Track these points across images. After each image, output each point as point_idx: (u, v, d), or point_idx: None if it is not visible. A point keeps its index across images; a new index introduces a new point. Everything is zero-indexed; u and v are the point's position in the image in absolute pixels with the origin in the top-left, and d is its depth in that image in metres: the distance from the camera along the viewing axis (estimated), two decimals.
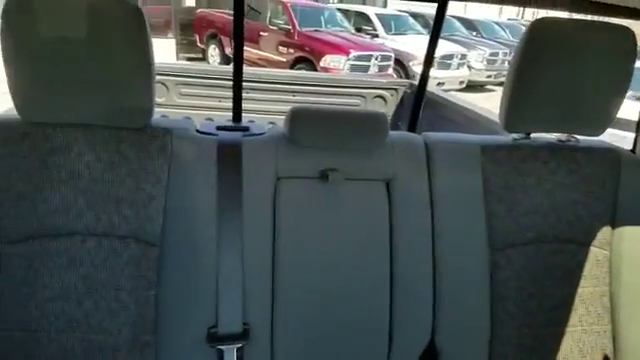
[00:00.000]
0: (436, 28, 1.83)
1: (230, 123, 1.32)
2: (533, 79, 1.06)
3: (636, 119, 1.29)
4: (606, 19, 1.23)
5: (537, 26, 1.04)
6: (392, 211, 1.10)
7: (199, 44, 9.27)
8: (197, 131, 1.12)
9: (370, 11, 9.67)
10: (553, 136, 1.20)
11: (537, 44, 1.04)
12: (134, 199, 0.99)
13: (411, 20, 9.62)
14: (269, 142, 1.10)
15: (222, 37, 8.71)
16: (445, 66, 8.20)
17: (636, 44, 1.06)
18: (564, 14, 1.33)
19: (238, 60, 1.40)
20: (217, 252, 1.02)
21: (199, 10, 9.51)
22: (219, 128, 1.17)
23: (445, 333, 1.11)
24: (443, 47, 8.21)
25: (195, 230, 1.03)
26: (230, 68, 1.59)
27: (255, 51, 8.02)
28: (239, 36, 1.51)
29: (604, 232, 1.14)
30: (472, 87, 8.94)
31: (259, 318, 1.05)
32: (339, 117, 1.12)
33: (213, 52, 9.05)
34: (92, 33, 0.91)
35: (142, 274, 1.00)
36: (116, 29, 0.92)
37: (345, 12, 9.23)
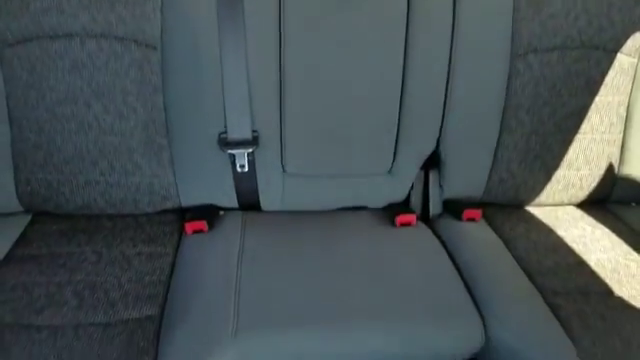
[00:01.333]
0: None
1: None
2: None
3: None
4: None
5: None
6: (410, 17, 1.01)
7: None
8: None
9: None
10: None
11: None
12: None
13: None
14: None
15: None
16: None
17: None
18: None
19: None
20: (220, 56, 0.99)
21: None
22: None
23: (452, 140, 1.11)
24: None
25: (195, 31, 0.98)
26: None
27: None
28: None
29: (636, 38, 1.06)
30: None
31: (267, 125, 1.05)
32: None
33: None
34: None
35: (147, 78, 0.99)
36: None
37: None
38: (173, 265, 0.98)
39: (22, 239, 1.01)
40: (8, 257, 0.96)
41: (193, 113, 1.04)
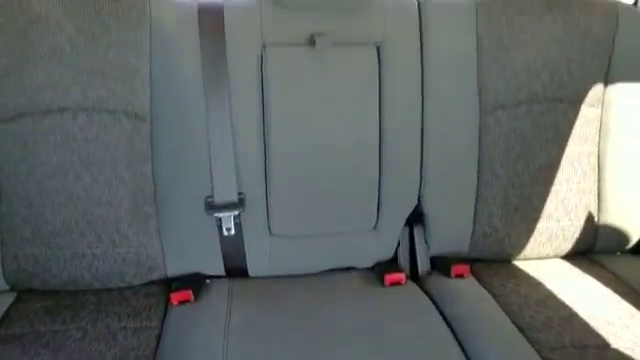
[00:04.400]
0: None
1: None
2: None
3: None
4: None
5: None
6: (382, 76, 1.08)
7: None
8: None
9: None
10: None
11: None
12: (119, 72, 0.99)
13: None
14: (252, 5, 1.05)
15: None
16: None
17: None
18: None
19: None
20: (206, 123, 1.03)
21: None
22: None
23: (432, 194, 1.14)
24: None
25: (182, 101, 1.03)
26: None
27: None
28: None
29: (596, 90, 1.12)
30: None
31: (253, 186, 1.08)
32: None
33: None
34: None
35: (136, 148, 1.02)
36: None
37: None
38: (159, 338, 0.96)
39: (5, 319, 0.99)
40: None
41: (180, 179, 1.06)
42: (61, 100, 0.99)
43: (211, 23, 1.03)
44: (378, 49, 1.08)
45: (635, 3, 1.23)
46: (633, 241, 1.21)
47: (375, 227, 1.15)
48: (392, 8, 1.08)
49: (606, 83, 1.13)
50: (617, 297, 1.05)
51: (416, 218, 1.17)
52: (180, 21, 1.03)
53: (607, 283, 1.10)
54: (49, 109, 0.99)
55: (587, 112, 1.13)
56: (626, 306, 1.02)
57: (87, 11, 0.97)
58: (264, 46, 1.04)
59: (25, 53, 0.96)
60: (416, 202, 1.15)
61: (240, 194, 1.07)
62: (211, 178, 1.05)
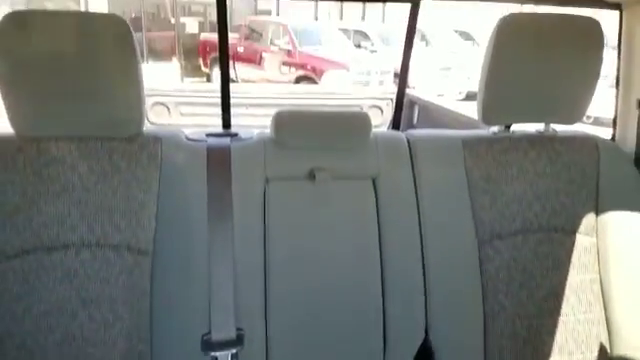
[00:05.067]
0: (409, 32, 1.77)
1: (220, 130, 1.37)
2: (506, 72, 1.09)
3: None
4: (565, 10, 1.27)
5: (507, 21, 1.08)
6: (379, 207, 1.12)
7: (203, 68, 9.44)
8: (187, 138, 1.16)
9: (368, 29, 9.83)
10: (532, 127, 1.23)
11: (508, 38, 1.08)
12: (126, 208, 1.02)
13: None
14: (257, 145, 1.13)
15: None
16: (445, 76, 8.26)
17: (602, 33, 1.09)
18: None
19: (225, 67, 1.45)
20: (208, 258, 1.04)
21: (202, 35, 9.73)
22: (208, 135, 1.21)
23: (439, 330, 1.11)
24: (443, 59, 8.35)
25: (187, 236, 1.05)
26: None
27: (259, 71, 8.18)
28: (224, 41, 1.53)
29: (589, 219, 1.15)
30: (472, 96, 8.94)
31: (252, 323, 1.06)
32: (323, 117, 1.16)
33: (218, 74, 9.18)
34: (82, 47, 0.96)
35: (135, 283, 1.02)
36: (105, 43, 0.97)
37: (345, 30, 9.42)
38: None
39: None
40: None
41: (178, 315, 1.04)
42: (67, 236, 1.00)
43: (218, 162, 1.09)
44: (374, 181, 1.13)
45: (612, 138, 1.31)
46: None
47: None
48: (384, 144, 1.16)
49: (597, 212, 1.16)
50: None
51: (426, 356, 1.13)
52: (189, 160, 1.09)
53: None
54: (53, 245, 1.00)
55: (583, 240, 1.15)
56: None
57: (100, 153, 1.03)
58: (267, 180, 1.10)
59: (37, 190, 1.00)
60: (423, 336, 1.11)
61: (239, 329, 1.04)
62: (209, 315, 1.03)
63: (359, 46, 9.13)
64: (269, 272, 1.07)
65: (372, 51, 9.01)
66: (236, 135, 1.22)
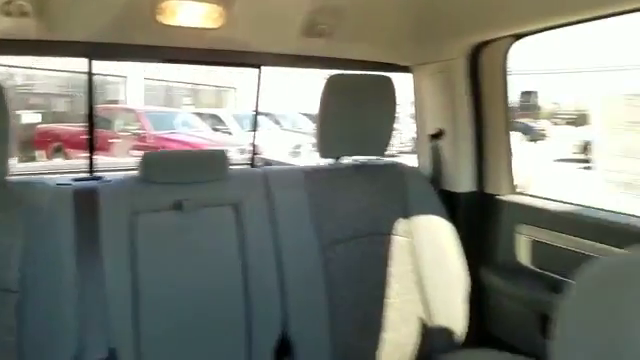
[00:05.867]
0: (257, 95, 1.88)
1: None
2: (333, 118, 1.45)
3: None
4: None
5: (332, 80, 1.44)
6: (240, 227, 1.31)
7: (46, 158, 8.83)
8: (56, 184, 1.24)
9: (222, 113, 10.33)
10: (357, 159, 1.56)
11: (333, 92, 1.44)
12: None
13: (262, 118, 10.46)
14: (123, 183, 1.27)
15: (67, 150, 8.49)
16: (296, 154, 8.99)
17: (394, 87, 1.50)
18: None
19: (91, 118, 1.58)
20: (78, 291, 1.11)
21: (39, 126, 9.21)
22: (76, 180, 1.30)
23: (294, 325, 1.30)
24: (294, 139, 9.12)
25: (55, 274, 1.11)
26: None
27: (108, 159, 7.94)
28: (91, 95, 1.62)
29: (402, 224, 1.48)
30: None
31: (124, 341, 1.13)
32: (185, 156, 1.38)
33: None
34: None
35: (1, 322, 1.03)
36: None
37: (200, 115, 9.78)
38: None
39: None
40: None
41: (45, 350, 1.06)
42: None
43: (85, 201, 1.20)
44: (236, 206, 1.33)
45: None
46: (461, 331, 1.45)
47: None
48: (242, 176, 1.40)
49: (409, 218, 1.49)
50: None
51: (283, 349, 1.29)
52: (56, 202, 1.18)
53: None
54: None
55: (400, 240, 1.46)
56: None
57: None
58: (135, 213, 1.22)
59: None
60: (280, 331, 1.29)
61: (112, 349, 1.10)
62: (78, 338, 1.08)
63: (216, 129, 9.51)
64: (140, 293, 1.17)
65: (227, 133, 9.43)
66: (101, 178, 1.33)
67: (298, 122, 11.20)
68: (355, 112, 1.45)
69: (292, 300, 1.31)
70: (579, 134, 9.92)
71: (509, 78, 1.55)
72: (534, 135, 14.83)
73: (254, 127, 2.11)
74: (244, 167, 1.51)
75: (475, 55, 1.53)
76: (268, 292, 1.30)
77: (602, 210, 1.34)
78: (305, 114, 11.46)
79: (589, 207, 1.39)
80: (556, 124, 16.96)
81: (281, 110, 10.37)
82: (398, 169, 1.56)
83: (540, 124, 16.19)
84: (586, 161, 7.89)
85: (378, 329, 1.37)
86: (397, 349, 1.39)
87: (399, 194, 1.50)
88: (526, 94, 17.72)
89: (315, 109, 1.46)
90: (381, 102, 1.49)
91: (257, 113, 1.98)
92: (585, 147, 8.56)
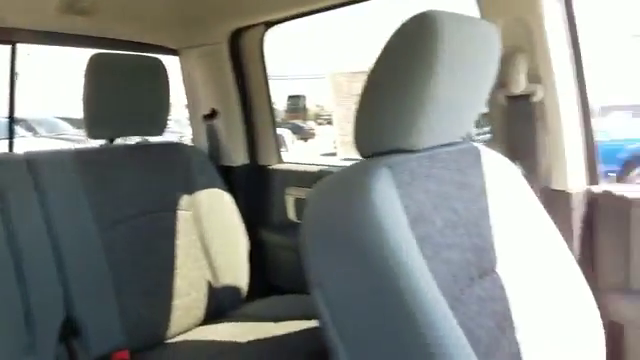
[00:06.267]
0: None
1: None
2: (100, 99, 1.40)
3: None
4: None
5: (95, 58, 1.38)
6: (8, 223, 1.20)
7: None
8: None
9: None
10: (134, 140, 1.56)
11: (97, 71, 1.38)
12: None
13: (15, 126, 8.94)
14: None
15: None
16: None
17: (165, 69, 1.51)
18: None
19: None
20: None
21: None
22: None
23: (79, 307, 1.25)
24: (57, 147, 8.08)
25: None
26: None
27: None
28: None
29: (185, 199, 1.54)
30: None
31: None
32: None
33: None
34: None
35: None
36: None
37: None
38: None
39: None
40: None
41: None
42: None
43: None
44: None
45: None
46: (245, 287, 1.59)
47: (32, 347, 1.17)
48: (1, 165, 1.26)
49: (191, 193, 1.55)
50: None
51: (72, 333, 1.25)
52: None
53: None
54: None
55: (184, 214, 1.52)
56: None
57: None
58: None
59: None
60: (64, 315, 1.23)
61: None
62: None
63: None
64: None
65: None
66: None
67: (58, 127, 9.97)
68: (124, 93, 1.43)
69: (75, 284, 1.26)
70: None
71: (280, 83, 1.79)
72: (304, 134, 16.47)
73: (10, 134, 1.88)
74: (4, 152, 1.34)
75: (236, 40, 1.71)
76: (46, 282, 1.22)
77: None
78: (65, 118, 10.27)
79: (324, 165, 1.73)
80: (320, 124, 19.02)
81: (36, 114, 9.05)
82: (178, 148, 1.62)
83: (308, 124, 18.01)
84: None
85: (168, 297, 1.42)
86: (188, 313, 1.46)
87: (181, 171, 1.56)
88: (294, 98, 19.47)
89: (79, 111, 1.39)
90: (152, 83, 1.50)
91: (13, 106, 1.77)
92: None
